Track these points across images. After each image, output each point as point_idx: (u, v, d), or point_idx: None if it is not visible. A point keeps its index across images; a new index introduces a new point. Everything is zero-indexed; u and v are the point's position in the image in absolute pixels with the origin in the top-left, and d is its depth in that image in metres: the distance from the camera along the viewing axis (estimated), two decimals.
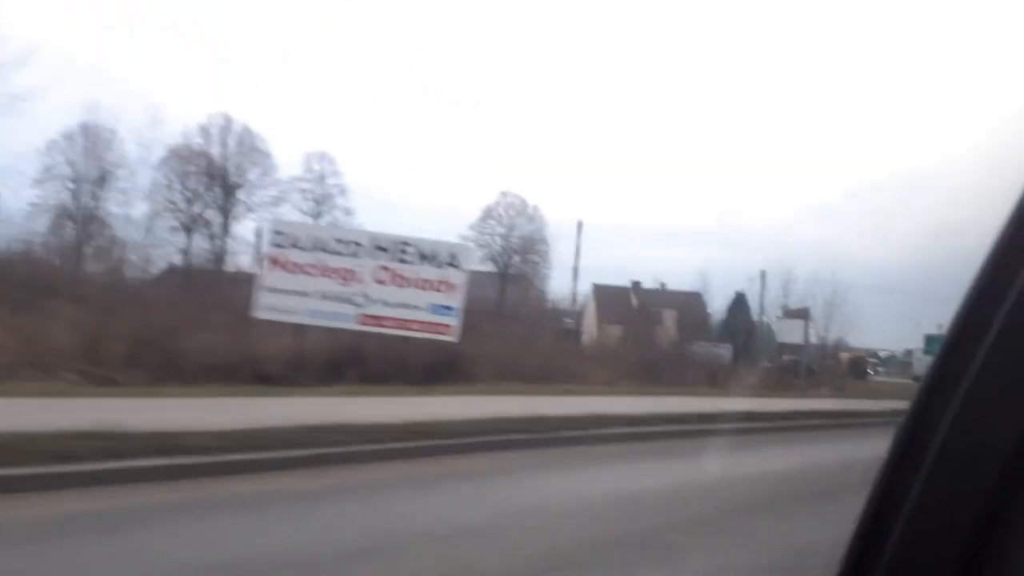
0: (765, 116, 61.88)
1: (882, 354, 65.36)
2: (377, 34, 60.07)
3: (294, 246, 16.43)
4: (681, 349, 30.10)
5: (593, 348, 34.02)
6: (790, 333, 29.14)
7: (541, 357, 21.64)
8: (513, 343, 21.97)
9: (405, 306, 16.71)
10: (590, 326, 58.95)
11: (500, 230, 46.71)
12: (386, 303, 16.65)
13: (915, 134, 49.98)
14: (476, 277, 47.59)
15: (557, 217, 71.82)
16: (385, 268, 16.66)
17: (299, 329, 16.93)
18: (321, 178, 49.31)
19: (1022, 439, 0.75)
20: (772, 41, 61.64)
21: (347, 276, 16.60)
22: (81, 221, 41.73)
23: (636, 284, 58.27)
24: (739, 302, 50.68)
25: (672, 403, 16.67)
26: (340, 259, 16.54)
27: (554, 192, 66.11)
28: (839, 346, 53.34)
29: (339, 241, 16.24)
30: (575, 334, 57.92)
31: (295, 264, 16.43)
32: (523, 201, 46.42)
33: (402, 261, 16.67)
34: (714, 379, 26.46)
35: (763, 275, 51.99)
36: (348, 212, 48.91)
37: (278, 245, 16.48)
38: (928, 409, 0.83)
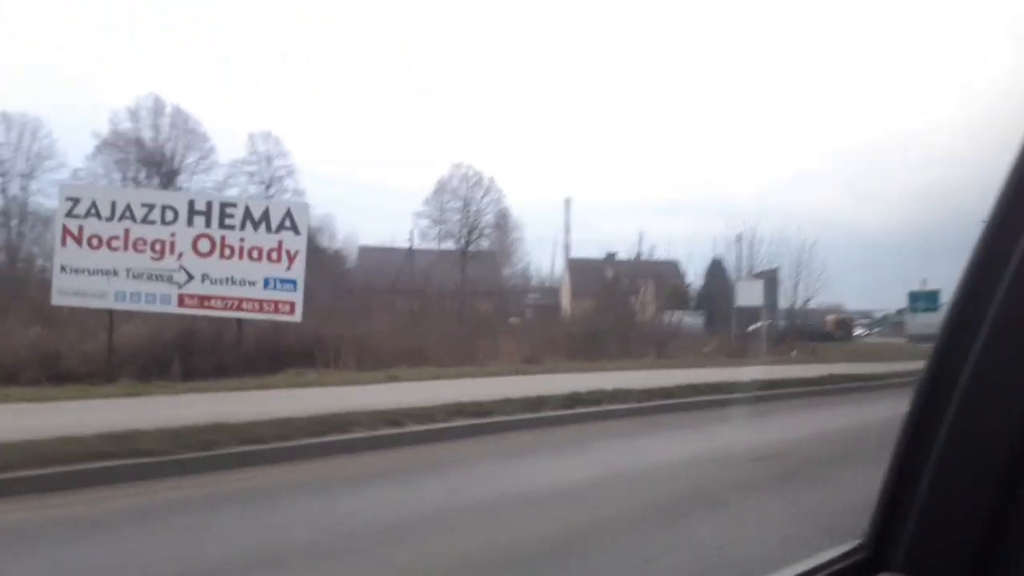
0: (748, 85, 59.30)
1: (877, 315, 63.54)
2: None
3: (91, 214, 13.48)
4: (628, 319, 26.94)
5: (525, 325, 30.93)
6: (749, 295, 26.04)
7: (443, 338, 18.66)
8: (404, 324, 19.01)
9: (234, 282, 13.73)
10: (566, 301, 56.58)
11: (455, 203, 43.51)
12: (211, 279, 13.68)
13: (898, 98, 50.11)
14: (432, 256, 44.89)
15: (541, 196, 69.46)
16: (205, 236, 13.67)
17: (116, 317, 14.06)
18: (268, 159, 46.44)
19: None
20: (752, 8, 58.82)
21: (161, 248, 13.65)
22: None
23: (611, 256, 55.35)
24: (715, 268, 47.87)
25: (569, 382, 13.73)
26: (151, 229, 13.60)
27: (537, 170, 62.97)
28: (830, 309, 51.25)
29: (146, 205, 13.23)
30: (553, 310, 55.54)
31: (96, 237, 13.49)
32: (478, 173, 43.31)
33: (226, 227, 13.67)
34: (663, 349, 23.45)
35: (739, 238, 48.96)
36: (298, 193, 46.15)
37: (72, 214, 13.49)
38: (942, 378, 0.82)
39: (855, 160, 53.60)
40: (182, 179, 44.48)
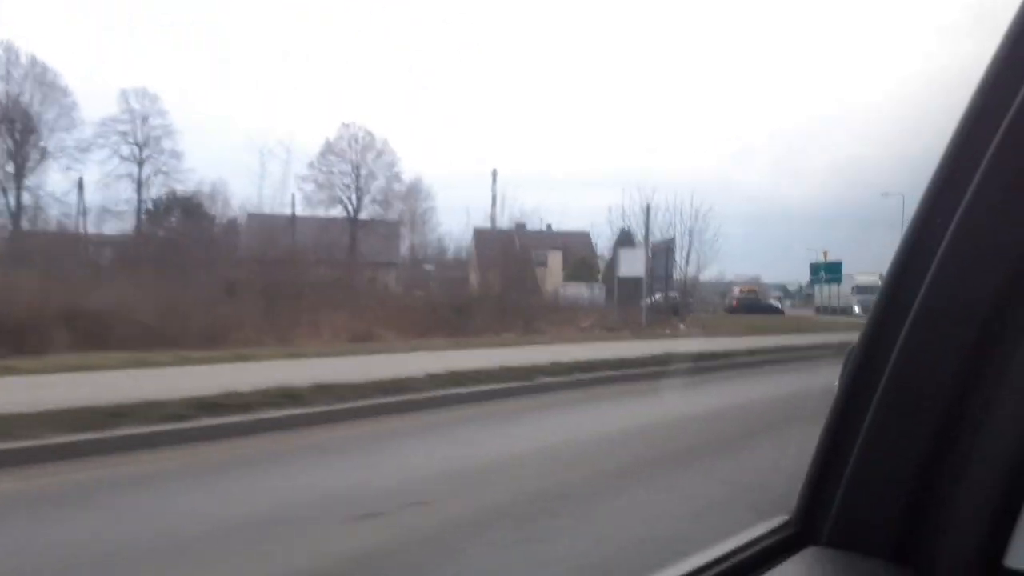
0: (694, 68, 58.34)
1: (791, 288, 63.83)
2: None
3: None
4: (502, 294, 24.60)
5: (414, 299, 28.39)
6: (631, 265, 24.12)
7: (253, 315, 15.90)
8: (209, 298, 16.18)
9: None
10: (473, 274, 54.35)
11: (343, 167, 40.28)
12: None
13: (822, 84, 53.01)
14: (317, 223, 41.72)
15: (468, 167, 66.78)
16: None
17: None
18: (143, 118, 42.34)
19: (961, 380, 0.79)
20: None
21: None
22: None
23: (520, 226, 53.15)
24: (624, 239, 46.14)
25: (347, 366, 11.32)
26: None
27: (463, 141, 60.37)
28: (749, 281, 50.89)
29: None
30: (460, 283, 53.22)
31: None
32: (370, 134, 40.14)
33: None
34: (530, 324, 21.24)
35: (647, 210, 47.37)
36: (176, 155, 42.23)
37: None
38: (874, 355, 0.86)
39: (784, 140, 56.35)
40: (40, 137, 40.19)
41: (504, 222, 47.88)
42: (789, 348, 18.01)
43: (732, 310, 40.50)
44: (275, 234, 38.97)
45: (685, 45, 60.77)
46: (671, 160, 58.45)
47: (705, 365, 14.41)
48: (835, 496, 0.88)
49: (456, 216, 73.88)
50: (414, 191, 49.37)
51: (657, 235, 34.58)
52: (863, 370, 0.87)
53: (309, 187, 39.73)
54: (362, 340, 16.24)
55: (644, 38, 64.35)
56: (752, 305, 42.36)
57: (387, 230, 45.47)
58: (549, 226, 53.54)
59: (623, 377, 12.32)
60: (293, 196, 38.67)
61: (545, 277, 48.05)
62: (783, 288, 61.74)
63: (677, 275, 30.77)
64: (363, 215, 41.44)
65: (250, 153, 57.51)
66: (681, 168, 59.52)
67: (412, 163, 61.45)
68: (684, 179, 61.24)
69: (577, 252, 49.04)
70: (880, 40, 50.75)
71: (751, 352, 17.22)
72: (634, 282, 25.26)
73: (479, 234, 53.10)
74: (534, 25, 62.40)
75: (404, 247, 49.84)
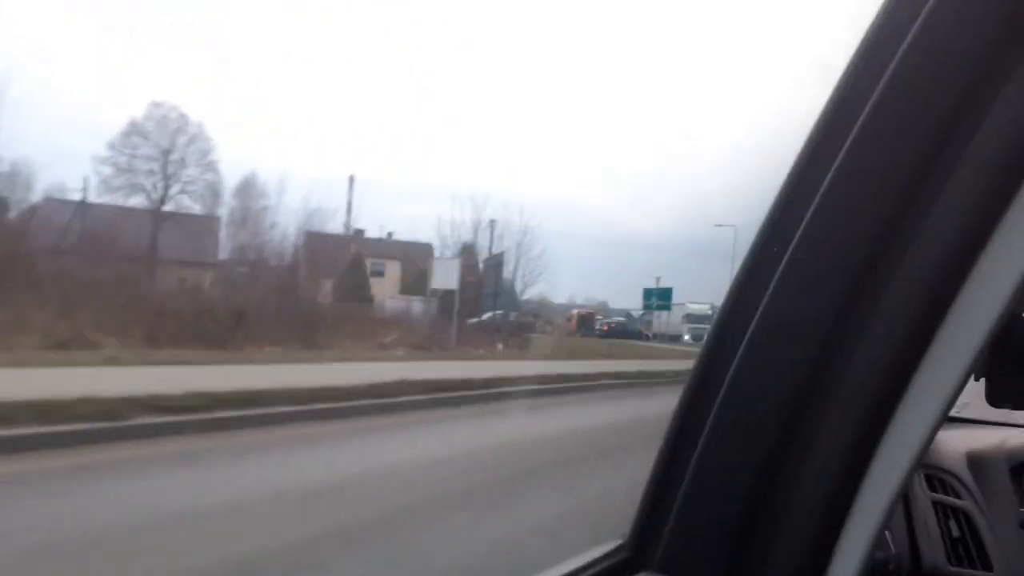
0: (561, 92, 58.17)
1: (635, 313, 64.64)
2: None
3: None
4: (280, 305, 21.23)
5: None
6: (445, 276, 21.78)
7: None
8: None
9: None
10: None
11: (148, 151, 35.20)
12: None
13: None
14: (113, 212, 36.48)
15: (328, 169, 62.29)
16: None
17: None
18: None
19: (793, 400, 0.80)
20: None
21: None
22: None
23: (359, 232, 49.77)
24: (465, 253, 44.01)
25: None
26: None
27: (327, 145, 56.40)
28: (596, 307, 50.44)
29: None
30: (287, 288, 49.20)
31: None
32: (183, 116, 35.34)
33: None
34: (312, 339, 18.09)
35: (492, 224, 45.57)
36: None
37: None
38: (708, 379, 0.86)
39: (637, 169, 58.05)
40: None
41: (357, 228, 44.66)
42: (605, 375, 16.08)
43: (604, 334, 39.83)
44: (71, 222, 33.56)
45: (553, 72, 60.66)
46: (527, 182, 58.00)
47: (496, 392, 12.05)
48: (667, 520, 0.87)
49: (313, 220, 69.75)
50: (248, 187, 44.87)
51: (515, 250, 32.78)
52: (697, 394, 0.88)
53: (107, 170, 34.43)
54: (62, 347, 12.52)
55: (508, 59, 63.70)
56: (621, 330, 41.79)
57: (200, 226, 40.61)
58: (390, 234, 50.54)
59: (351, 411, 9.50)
60: (86, 180, 33.33)
61: (383, 287, 45.07)
62: (627, 314, 62.43)
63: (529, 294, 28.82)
64: (173, 207, 36.47)
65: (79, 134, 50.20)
66: (536, 191, 59.56)
67: (253, 157, 56.44)
68: (541, 200, 60.82)
69: (418, 263, 46.35)
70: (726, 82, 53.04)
71: (564, 378, 15.18)
72: (452, 296, 22.76)
73: (310, 237, 49.19)
74: (383, 31, 60.07)
75: (231, 247, 45.11)
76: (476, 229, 39.71)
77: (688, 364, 0.93)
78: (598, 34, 60.93)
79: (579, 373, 15.25)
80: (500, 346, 22.79)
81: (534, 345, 24.60)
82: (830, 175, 0.80)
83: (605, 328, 42.71)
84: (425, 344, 20.52)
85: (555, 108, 60.23)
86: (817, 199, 0.81)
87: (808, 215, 0.81)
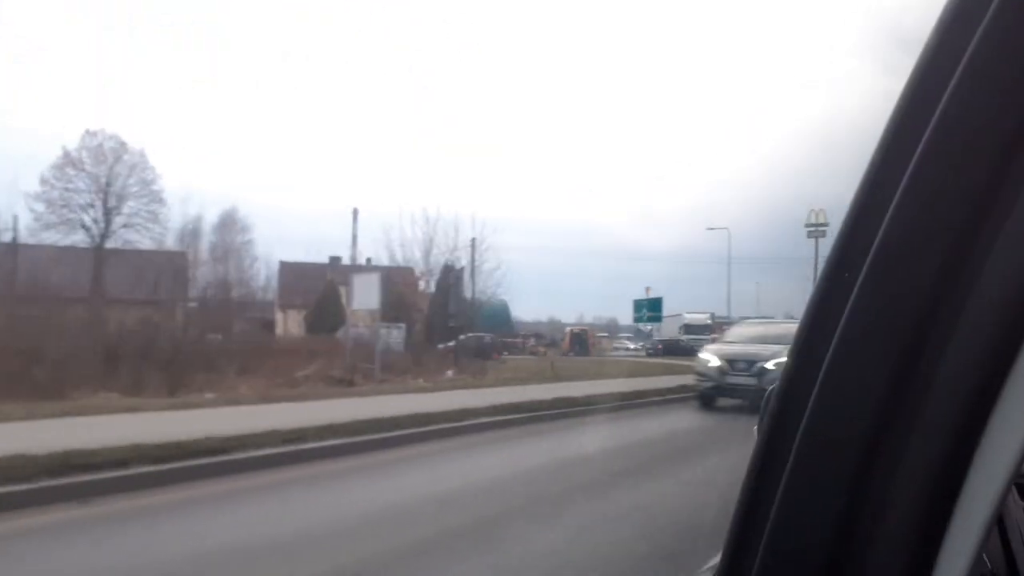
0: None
1: (644, 329, 62.39)
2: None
3: None
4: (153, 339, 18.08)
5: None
6: (365, 295, 18.84)
7: None
8: None
9: None
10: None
11: (81, 184, 32.46)
12: None
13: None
14: (52, 252, 34.03)
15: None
16: None
17: None
18: None
19: (880, 422, 0.79)
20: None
21: None
22: None
23: (335, 260, 47.11)
24: (447, 275, 41.16)
25: None
26: None
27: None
28: (606, 326, 47.31)
29: None
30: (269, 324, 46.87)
31: None
32: (122, 144, 32.79)
33: None
34: (178, 379, 14.97)
35: (473, 243, 42.96)
36: None
37: None
38: (790, 403, 0.84)
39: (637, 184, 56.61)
40: None
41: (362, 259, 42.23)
42: (497, 408, 12.59)
43: (657, 352, 36.90)
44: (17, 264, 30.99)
45: (549, 83, 59.46)
46: (526, 203, 55.90)
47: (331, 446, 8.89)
48: (759, 543, 0.84)
49: (312, 254, 67.49)
50: (228, 222, 42.55)
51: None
52: (783, 412, 0.85)
53: (40, 207, 31.90)
54: None
55: (499, 73, 62.52)
56: (675, 347, 38.62)
57: (163, 261, 38.02)
58: (369, 260, 47.73)
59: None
60: (15, 218, 30.79)
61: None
62: (636, 330, 59.86)
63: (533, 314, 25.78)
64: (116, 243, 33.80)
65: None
66: (535, 212, 58.20)
67: (239, 191, 54.40)
68: (544, 219, 59.31)
69: (397, 288, 43.53)
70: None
71: (498, 409, 11.99)
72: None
73: (285, 268, 46.54)
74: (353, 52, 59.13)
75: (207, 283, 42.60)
76: (451, 251, 36.54)
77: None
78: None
79: (483, 407, 11.97)
80: (449, 373, 19.59)
81: (496, 370, 21.33)
82: (901, 187, 0.77)
83: (659, 347, 41.57)
84: (346, 376, 17.42)
85: (555, 128, 59.15)
86: (895, 200, 0.77)
87: (887, 217, 0.78)
